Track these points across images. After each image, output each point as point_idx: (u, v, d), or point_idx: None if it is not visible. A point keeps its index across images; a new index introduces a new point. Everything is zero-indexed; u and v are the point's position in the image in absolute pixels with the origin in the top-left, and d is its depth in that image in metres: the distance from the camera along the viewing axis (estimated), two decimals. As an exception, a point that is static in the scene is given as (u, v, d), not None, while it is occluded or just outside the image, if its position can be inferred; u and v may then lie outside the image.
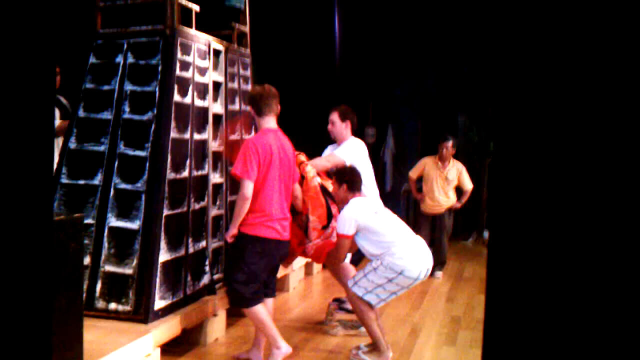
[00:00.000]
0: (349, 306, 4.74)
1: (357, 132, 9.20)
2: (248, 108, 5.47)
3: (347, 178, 4.45)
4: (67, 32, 5.56)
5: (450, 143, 6.89)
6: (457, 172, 7.00)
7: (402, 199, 9.93)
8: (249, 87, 5.60)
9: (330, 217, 4.59)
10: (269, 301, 4.24)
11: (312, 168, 4.66)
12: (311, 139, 7.71)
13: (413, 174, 7.26)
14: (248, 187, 3.90)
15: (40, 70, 1.48)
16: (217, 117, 4.94)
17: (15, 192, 1.40)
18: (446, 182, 6.95)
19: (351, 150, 5.01)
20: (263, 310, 4.00)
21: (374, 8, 8.77)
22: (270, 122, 4.15)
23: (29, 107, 1.45)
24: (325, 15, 7.81)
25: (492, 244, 1.40)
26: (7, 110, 1.38)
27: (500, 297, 1.35)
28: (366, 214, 4.25)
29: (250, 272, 3.97)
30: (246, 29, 5.59)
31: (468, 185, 7.09)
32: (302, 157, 4.71)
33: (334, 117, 5.14)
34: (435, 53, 9.31)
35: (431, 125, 9.84)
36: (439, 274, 7.03)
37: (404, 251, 4.15)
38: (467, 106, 9.78)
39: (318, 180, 4.62)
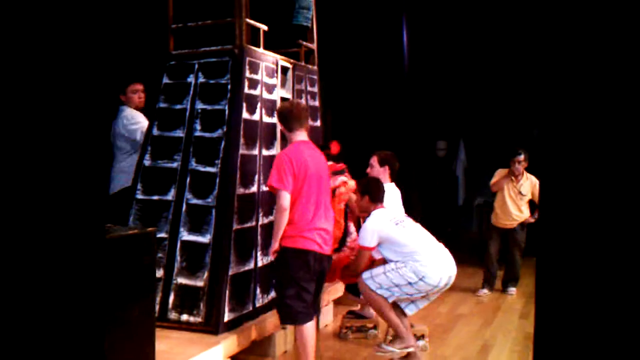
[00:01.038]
0: (362, 314, 5.04)
1: (428, 146, 9.13)
2: (317, 124, 5.59)
3: (370, 188, 4.53)
4: (142, 53, 5.83)
5: (522, 157, 6.68)
6: (531, 186, 6.76)
7: (476, 213, 9.75)
8: (317, 103, 5.68)
9: (343, 242, 4.71)
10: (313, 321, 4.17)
11: (345, 189, 4.76)
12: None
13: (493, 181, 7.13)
14: (285, 198, 3.86)
15: (94, 90, 1.56)
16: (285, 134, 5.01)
17: (68, 207, 1.47)
18: (519, 196, 6.74)
19: (386, 200, 4.89)
20: (312, 331, 3.95)
21: (443, 20, 8.71)
22: (300, 135, 4.11)
23: (80, 125, 1.53)
24: (393, 29, 7.81)
25: (540, 266, 1.39)
26: (59, 128, 1.47)
27: (550, 315, 1.33)
28: (388, 226, 4.35)
29: (299, 286, 3.92)
30: (314, 46, 5.68)
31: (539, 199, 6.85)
32: (344, 177, 4.78)
33: (373, 161, 5.14)
34: (509, 63, 9.13)
35: (505, 139, 9.63)
36: (512, 289, 6.86)
37: (427, 259, 4.24)
38: (543, 119, 9.53)
39: (342, 205, 4.73)
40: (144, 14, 6.09)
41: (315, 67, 5.71)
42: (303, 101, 5.36)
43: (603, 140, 1.31)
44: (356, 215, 4.94)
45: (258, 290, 4.48)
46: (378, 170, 5.06)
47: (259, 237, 4.52)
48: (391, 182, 5.09)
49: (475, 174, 10.24)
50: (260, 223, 4.56)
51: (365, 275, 4.36)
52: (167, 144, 4.54)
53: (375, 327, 5.16)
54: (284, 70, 5.09)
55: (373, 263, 4.62)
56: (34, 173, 1.40)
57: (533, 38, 7.80)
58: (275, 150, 4.79)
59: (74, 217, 1.48)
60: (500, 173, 6.89)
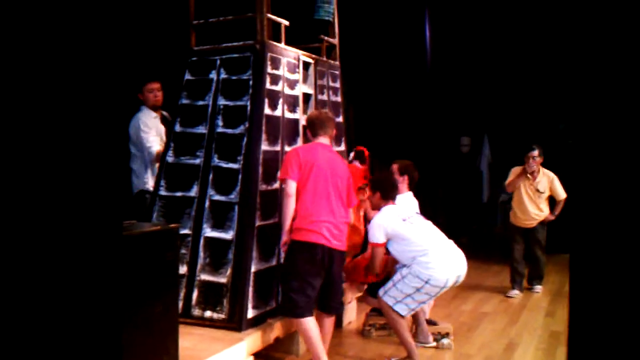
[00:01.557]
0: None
1: (452, 142, 9.04)
2: (339, 119, 5.55)
3: (381, 185, 4.50)
4: (164, 50, 5.84)
5: (536, 152, 6.40)
6: (548, 182, 6.51)
7: (500, 209, 9.63)
8: (339, 98, 5.64)
9: (364, 249, 4.68)
10: (328, 319, 4.16)
11: (364, 197, 4.75)
12: (401, 147, 7.66)
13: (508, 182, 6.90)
14: (289, 185, 3.96)
15: (109, 86, 1.54)
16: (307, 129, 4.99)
17: (84, 204, 1.46)
18: (537, 193, 6.47)
19: (402, 207, 4.80)
20: (313, 324, 3.92)
21: (466, 14, 8.61)
22: (321, 139, 4.22)
23: (99, 121, 1.51)
24: (416, 24, 7.74)
25: (574, 262, 1.34)
26: (78, 125, 1.45)
27: (584, 314, 1.28)
28: (394, 221, 4.32)
29: (304, 280, 3.90)
30: (335, 41, 5.64)
31: (561, 194, 6.52)
32: (367, 189, 4.77)
33: (393, 168, 5.07)
34: (534, 56, 9.00)
35: (530, 134, 9.49)
36: (538, 287, 6.69)
37: (434, 258, 4.19)
38: (568, 114, 9.38)
39: (362, 212, 4.73)
40: (165, 10, 6.10)
41: (337, 63, 5.67)
42: (325, 97, 5.33)
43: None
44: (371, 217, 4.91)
45: (280, 287, 4.46)
46: (397, 179, 4.99)
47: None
48: (409, 191, 5.02)
49: (499, 170, 10.11)
50: (283, 219, 4.53)
51: (381, 292, 4.35)
52: (189, 140, 4.54)
53: None
54: (306, 65, 5.05)
55: (386, 265, 4.60)
56: (52, 170, 1.38)
57: (558, 30, 7.67)
58: (297, 146, 4.76)
59: (90, 213, 1.46)
60: (514, 171, 6.64)
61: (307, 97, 5.05)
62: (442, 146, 8.52)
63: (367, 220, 4.98)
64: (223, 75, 4.55)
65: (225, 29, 4.77)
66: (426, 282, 4.16)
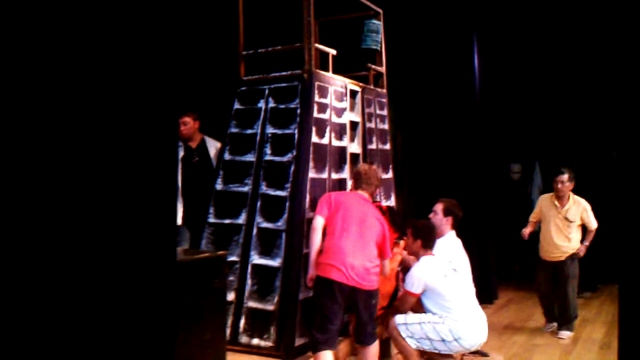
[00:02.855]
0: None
1: (502, 169, 8.88)
2: (386, 147, 5.55)
3: (424, 234, 4.37)
4: (214, 79, 5.97)
5: (565, 177, 5.84)
6: (578, 211, 5.88)
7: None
8: (386, 126, 5.65)
9: (393, 299, 4.59)
10: (364, 350, 4.06)
11: (398, 250, 4.69)
12: (450, 174, 7.58)
13: (533, 216, 6.24)
14: (316, 220, 4.04)
15: (165, 117, 1.58)
16: (354, 156, 5.01)
17: (141, 232, 1.49)
18: (565, 222, 5.87)
19: (445, 250, 4.61)
20: (328, 358, 3.83)
21: (515, 40, 8.54)
22: (360, 192, 4.23)
23: (154, 148, 1.55)
24: (464, 50, 7.70)
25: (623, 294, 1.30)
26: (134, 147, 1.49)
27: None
28: (436, 277, 4.20)
29: (323, 315, 3.84)
30: (382, 69, 5.66)
31: (592, 224, 5.92)
32: (398, 249, 4.72)
33: (438, 209, 4.88)
34: (586, 83, 8.84)
35: (582, 161, 9.27)
36: (565, 334, 5.81)
37: (468, 321, 4.14)
38: (622, 141, 9.13)
39: (394, 265, 4.66)
40: (216, 41, 6.25)
41: (385, 90, 5.69)
42: (372, 124, 5.34)
43: None
44: (409, 265, 4.83)
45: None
46: (441, 219, 4.86)
47: (328, 261, 4.49)
48: (452, 230, 4.90)
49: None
50: (330, 247, 4.53)
51: (399, 320, 4.24)
52: (238, 168, 4.60)
53: None
54: (353, 93, 5.09)
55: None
56: (115, 199, 1.42)
57: (610, 58, 7.53)
58: (345, 174, 4.77)
59: (146, 242, 1.49)
60: (543, 199, 6.15)
61: (354, 125, 5.07)
62: (492, 173, 8.39)
63: (400, 272, 4.89)
64: (271, 104, 4.62)
65: (273, 59, 4.86)
66: (456, 339, 4.11)
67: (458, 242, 4.83)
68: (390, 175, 5.61)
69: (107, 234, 1.40)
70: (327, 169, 4.57)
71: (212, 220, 4.61)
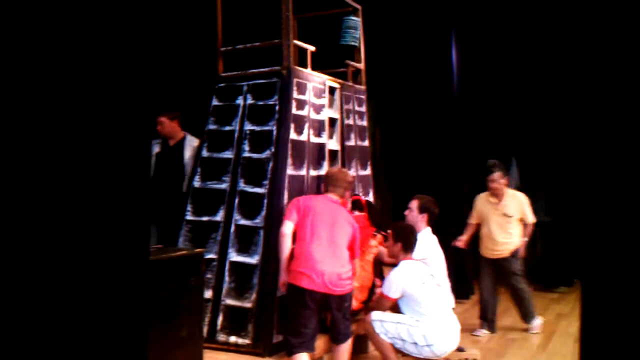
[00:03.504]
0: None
1: (479, 165, 8.94)
2: (365, 143, 5.57)
3: (404, 237, 4.42)
4: (192, 76, 5.93)
5: (497, 175, 5.79)
6: (516, 205, 5.88)
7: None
8: (365, 122, 5.66)
9: (372, 293, 4.64)
10: (337, 347, 4.08)
11: (375, 242, 4.72)
12: (428, 174, 7.63)
13: (472, 219, 6.13)
14: (285, 225, 4.05)
15: (138, 114, 1.57)
16: (333, 153, 5.01)
17: (112, 228, 1.48)
18: (505, 218, 5.81)
19: (420, 247, 4.64)
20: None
21: (492, 36, 8.59)
22: (330, 195, 4.28)
23: (128, 145, 1.54)
24: (442, 47, 7.74)
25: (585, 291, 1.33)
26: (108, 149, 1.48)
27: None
28: (414, 283, 4.26)
29: (297, 321, 3.87)
30: (361, 65, 5.67)
31: (530, 218, 5.91)
32: (375, 241, 4.74)
33: (413, 205, 4.92)
34: (563, 78, 8.92)
35: (559, 157, 9.37)
36: (535, 324, 5.89)
37: (439, 327, 4.20)
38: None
39: (370, 258, 4.72)
40: (194, 37, 6.21)
41: (363, 87, 5.69)
42: (351, 121, 5.34)
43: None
44: (386, 262, 4.85)
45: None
46: (416, 216, 4.88)
47: (306, 258, 4.49)
48: (427, 226, 4.92)
49: (528, 193, 9.99)
50: (308, 244, 4.53)
51: (376, 316, 4.27)
52: (216, 165, 4.58)
53: None
54: (332, 90, 5.09)
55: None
56: (85, 195, 1.41)
57: (587, 51, 7.60)
58: (323, 171, 4.77)
59: (118, 238, 1.48)
60: (479, 200, 6.09)
61: (333, 121, 5.08)
62: (468, 169, 8.45)
63: (377, 264, 4.91)
64: (250, 101, 4.60)
65: (252, 56, 4.84)
66: (427, 345, 4.17)
67: (433, 239, 4.87)
68: (368, 172, 5.62)
69: (78, 230, 1.39)
70: (305, 165, 4.57)
71: (189, 217, 4.58)
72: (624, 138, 1.34)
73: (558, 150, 9.13)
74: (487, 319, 5.86)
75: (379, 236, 4.77)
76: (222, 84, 4.75)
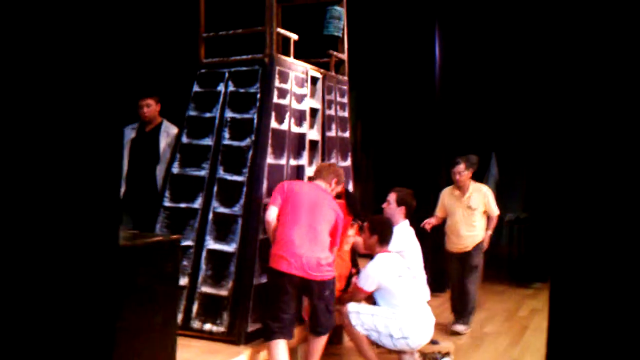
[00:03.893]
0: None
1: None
2: (346, 134, 5.56)
3: (380, 230, 4.43)
4: (173, 61, 5.87)
5: (461, 167, 5.75)
6: (480, 197, 5.81)
7: (506, 229, 9.58)
8: (346, 114, 5.64)
9: (349, 283, 4.67)
10: (313, 339, 4.06)
11: (352, 232, 4.75)
12: (408, 167, 7.65)
13: (438, 212, 6.10)
14: (269, 210, 4.05)
15: (108, 98, 1.53)
16: (313, 143, 5.00)
17: (79, 213, 1.45)
18: (469, 210, 5.77)
19: (398, 238, 4.67)
20: (281, 348, 3.83)
21: (476, 31, 8.62)
22: (317, 180, 4.32)
23: (98, 128, 1.51)
24: (425, 40, 7.75)
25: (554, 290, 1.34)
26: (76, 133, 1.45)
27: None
28: (390, 276, 4.28)
29: (276, 306, 3.88)
30: (344, 56, 5.65)
31: (494, 211, 5.87)
32: (352, 230, 4.77)
33: (391, 197, 4.93)
34: (544, 76, 8.98)
35: (538, 153, 9.45)
36: (461, 327, 5.68)
37: (415, 320, 4.23)
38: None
39: (347, 248, 4.75)
40: (176, 23, 6.14)
41: (346, 78, 5.68)
42: (332, 111, 5.33)
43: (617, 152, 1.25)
44: (361, 252, 4.87)
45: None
46: (394, 209, 4.90)
47: (284, 248, 4.48)
48: (405, 219, 4.94)
49: (506, 189, 10.09)
50: (286, 233, 4.52)
51: (352, 308, 4.28)
52: (195, 152, 4.55)
53: None
54: (314, 80, 5.06)
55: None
56: (47, 178, 1.38)
57: (568, 48, 7.65)
58: (303, 160, 4.75)
59: (84, 223, 1.45)
60: (444, 193, 6.06)
61: (314, 111, 5.06)
62: (449, 164, 8.50)
63: (353, 253, 4.93)
64: (231, 88, 4.56)
65: (234, 42, 4.80)
66: (403, 337, 4.20)
67: (411, 231, 4.89)
68: (349, 163, 5.62)
69: (43, 217, 1.36)
70: (285, 155, 4.55)
71: (167, 204, 4.55)
72: (602, 135, 1.34)
73: (537, 147, 9.21)
74: (460, 313, 5.79)
75: (355, 225, 4.78)
76: (203, 70, 4.71)
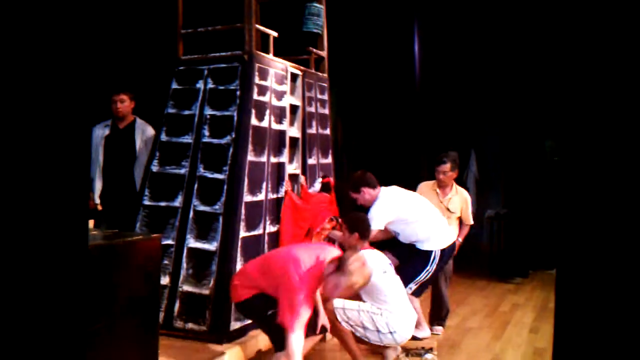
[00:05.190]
0: (416, 334, 4.75)
1: (438, 156, 9.01)
2: (326, 131, 5.54)
3: (359, 226, 4.44)
4: (151, 58, 5.80)
5: (447, 166, 5.36)
6: (460, 202, 5.47)
7: (486, 225, 9.64)
8: (327, 111, 5.63)
9: None
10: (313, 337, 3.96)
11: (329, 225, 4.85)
12: (388, 164, 7.66)
13: None
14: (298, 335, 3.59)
15: (77, 95, 1.49)
16: (293, 140, 4.98)
17: (48, 210, 1.41)
18: (447, 213, 5.36)
19: (382, 208, 4.66)
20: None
21: (454, 28, 8.66)
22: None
23: (67, 123, 1.46)
24: (404, 37, 7.77)
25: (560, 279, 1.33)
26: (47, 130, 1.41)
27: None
28: (376, 272, 4.22)
29: None
30: (324, 53, 5.64)
31: (469, 219, 5.53)
32: (328, 225, 4.83)
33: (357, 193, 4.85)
34: (522, 72, 9.05)
35: (516, 150, 9.51)
36: (439, 329, 5.42)
37: (400, 314, 4.23)
38: (555, 130, 9.42)
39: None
40: (153, 19, 6.08)
41: (326, 75, 5.67)
42: (313, 109, 5.32)
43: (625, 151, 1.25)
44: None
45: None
46: (367, 196, 4.81)
47: (265, 245, 4.46)
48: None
49: (486, 185, 10.15)
50: (267, 231, 4.50)
51: (338, 304, 4.26)
52: (175, 149, 4.50)
53: None
54: (294, 77, 5.04)
55: None
56: (12, 175, 1.34)
57: (545, 45, 7.73)
58: (284, 158, 4.73)
59: (52, 222, 1.41)
60: (424, 187, 5.60)
61: (294, 108, 5.04)
62: (428, 160, 8.53)
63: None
64: (210, 85, 4.52)
65: (213, 39, 4.76)
66: (390, 333, 4.18)
67: (394, 193, 4.94)
68: (329, 160, 5.60)
69: (9, 217, 1.32)
70: (266, 152, 4.53)
71: (147, 202, 4.50)
72: (597, 130, 1.34)
73: (516, 143, 9.28)
74: (436, 316, 5.50)
75: (333, 222, 4.80)
76: (182, 67, 4.66)
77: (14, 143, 1.33)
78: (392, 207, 4.74)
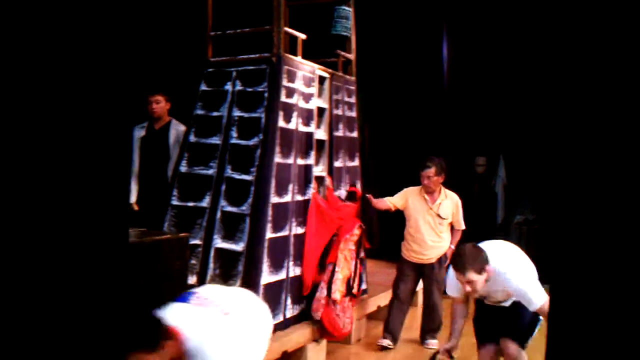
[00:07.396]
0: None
1: (467, 161, 8.98)
2: (354, 134, 5.54)
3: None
4: (181, 60, 5.86)
5: (432, 171, 5.13)
6: (451, 206, 5.27)
7: (514, 231, 9.53)
8: (354, 114, 5.63)
9: (350, 287, 4.78)
10: None
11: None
12: (415, 170, 7.61)
13: (393, 202, 5.34)
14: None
15: (118, 99, 1.51)
16: (320, 143, 4.98)
17: (89, 211, 1.43)
18: (437, 219, 5.21)
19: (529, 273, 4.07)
20: None
21: (484, 33, 8.59)
22: None
23: (108, 129, 1.49)
24: (433, 41, 7.74)
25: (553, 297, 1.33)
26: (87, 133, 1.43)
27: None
28: None
29: None
30: (352, 56, 5.64)
31: (461, 224, 5.34)
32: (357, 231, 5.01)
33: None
34: (551, 80, 8.94)
35: (545, 156, 9.39)
36: (433, 342, 5.24)
37: None
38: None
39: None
40: (183, 21, 6.14)
41: (353, 78, 5.67)
42: (340, 111, 5.32)
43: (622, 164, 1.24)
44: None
45: (289, 301, 4.42)
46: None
47: (291, 247, 4.47)
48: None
49: (514, 191, 10.03)
50: (293, 233, 4.50)
51: None
52: (203, 150, 4.54)
53: None
54: (322, 79, 5.05)
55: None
56: (58, 177, 1.36)
57: (577, 50, 7.61)
58: (311, 160, 4.73)
59: (95, 223, 1.43)
60: (411, 192, 5.35)
61: (321, 111, 5.05)
62: (457, 165, 8.47)
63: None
64: (238, 87, 4.55)
65: (242, 41, 4.79)
66: None
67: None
68: (357, 163, 5.60)
69: (53, 216, 1.34)
70: (293, 154, 4.54)
71: (175, 202, 4.54)
72: (604, 137, 1.33)
73: (545, 149, 9.15)
74: (392, 330, 5.20)
75: (361, 230, 4.87)
76: (210, 69, 4.70)
77: (65, 147, 1.36)
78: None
